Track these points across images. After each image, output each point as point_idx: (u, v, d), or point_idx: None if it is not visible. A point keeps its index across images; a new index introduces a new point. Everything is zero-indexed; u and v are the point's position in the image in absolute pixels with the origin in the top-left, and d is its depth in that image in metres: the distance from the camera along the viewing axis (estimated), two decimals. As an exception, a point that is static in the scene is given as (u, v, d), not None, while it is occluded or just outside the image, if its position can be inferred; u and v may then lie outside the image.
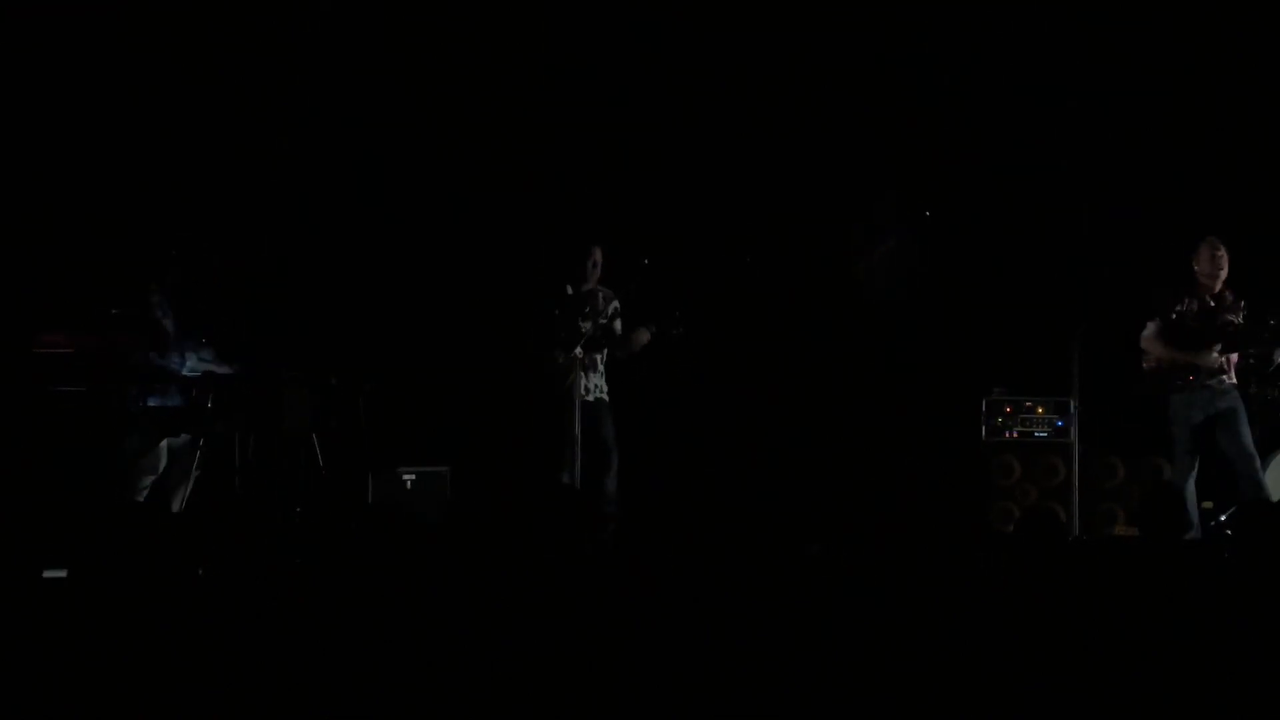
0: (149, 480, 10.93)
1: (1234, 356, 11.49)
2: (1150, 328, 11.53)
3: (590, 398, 11.72)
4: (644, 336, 11.76)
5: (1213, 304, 11.46)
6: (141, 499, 10.74)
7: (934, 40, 13.09)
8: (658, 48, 13.19)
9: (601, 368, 11.85)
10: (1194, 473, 11.44)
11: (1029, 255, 12.63)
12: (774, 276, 13.27)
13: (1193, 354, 11.40)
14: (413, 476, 11.90)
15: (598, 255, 11.88)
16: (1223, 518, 11.67)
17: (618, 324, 11.88)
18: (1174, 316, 11.44)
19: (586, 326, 11.76)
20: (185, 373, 11.11)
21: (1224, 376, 11.42)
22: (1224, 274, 11.43)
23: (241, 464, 11.14)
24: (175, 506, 10.79)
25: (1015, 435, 12.55)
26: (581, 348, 11.63)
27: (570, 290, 11.90)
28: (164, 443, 10.95)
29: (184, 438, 11.02)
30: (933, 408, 12.87)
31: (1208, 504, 11.87)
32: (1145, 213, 12.84)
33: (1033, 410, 12.56)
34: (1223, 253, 11.40)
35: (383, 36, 13.04)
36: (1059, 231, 12.89)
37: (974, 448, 12.57)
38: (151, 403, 10.97)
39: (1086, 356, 12.15)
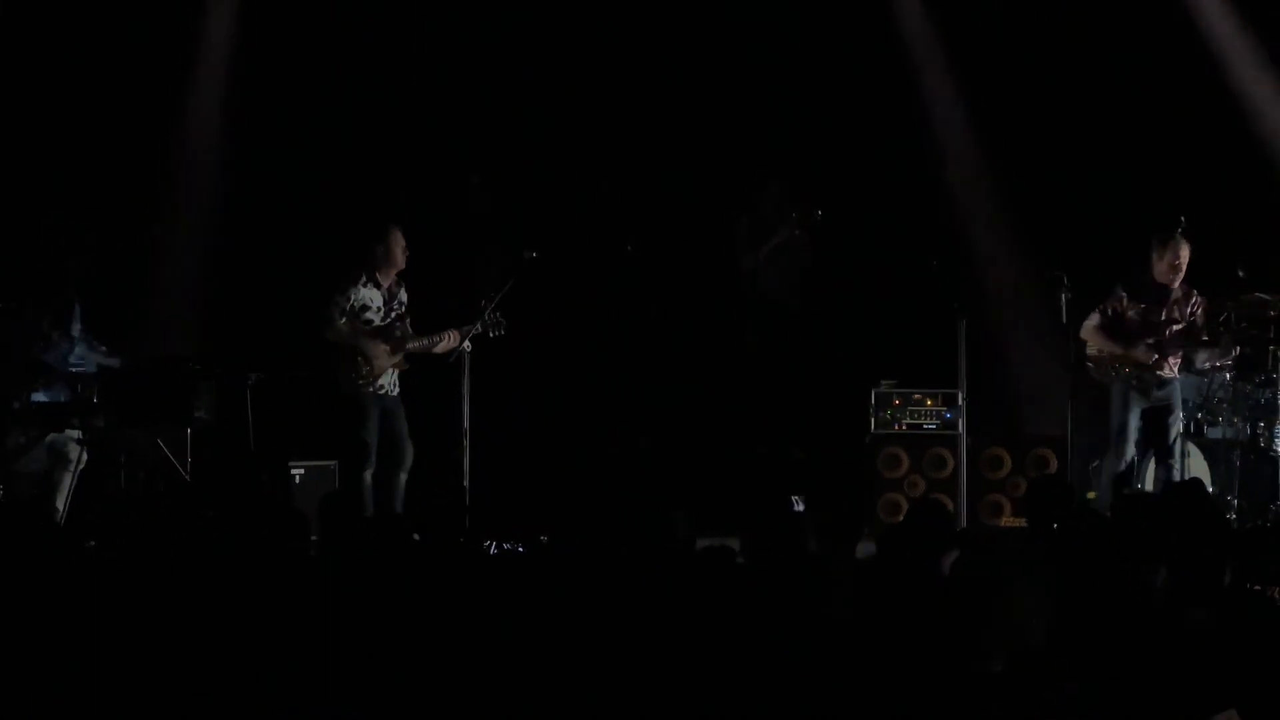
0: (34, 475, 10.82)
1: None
2: (1092, 318, 11.71)
3: (395, 393, 11.67)
4: (453, 340, 11.69)
5: (1160, 301, 11.59)
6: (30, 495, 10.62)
7: (819, 34, 13.16)
8: (541, 33, 13.17)
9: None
10: (1130, 460, 11.61)
11: (917, 249, 12.68)
12: (662, 269, 13.29)
13: (1126, 348, 11.58)
14: (301, 471, 11.84)
15: (404, 240, 11.66)
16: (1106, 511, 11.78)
17: (408, 319, 11.71)
18: (1111, 311, 11.62)
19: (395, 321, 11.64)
20: (71, 366, 11.00)
21: (1160, 371, 11.58)
22: (1182, 274, 11.54)
23: (126, 459, 11.05)
24: (59, 502, 10.67)
25: (904, 427, 12.62)
26: (402, 353, 11.56)
27: (382, 281, 11.66)
28: (52, 437, 10.83)
29: (68, 433, 10.90)
30: (822, 400, 12.93)
31: (1091, 495, 12.00)
32: (1034, 206, 12.96)
33: (921, 402, 12.64)
34: (1185, 252, 11.51)
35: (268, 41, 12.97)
36: (948, 225, 12.98)
37: (862, 440, 12.64)
38: (37, 398, 10.86)
39: (974, 349, 12.25)
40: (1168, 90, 12.80)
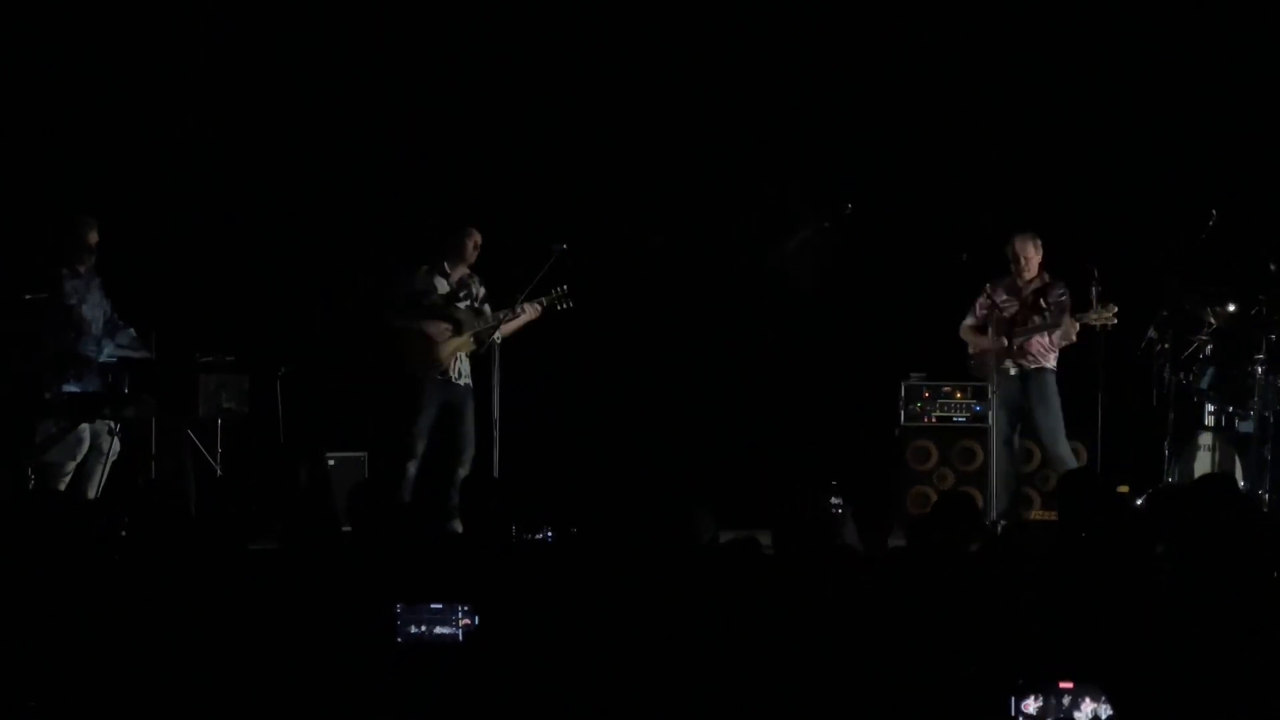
0: (71, 466, 10.85)
1: (1040, 340, 11.67)
2: (967, 319, 11.93)
3: (462, 382, 11.69)
4: (532, 313, 11.68)
5: (1018, 294, 11.75)
6: (63, 485, 10.66)
7: (844, 29, 13.16)
8: (574, 26, 13.18)
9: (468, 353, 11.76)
10: (1010, 453, 11.76)
11: (948, 242, 12.67)
12: (690, 262, 13.30)
13: (986, 341, 11.73)
14: (332, 462, 11.86)
15: (477, 238, 11.76)
16: (1139, 502, 11.76)
17: (488, 308, 11.79)
18: (981, 310, 11.80)
19: (484, 310, 11.68)
20: (103, 358, 11.04)
21: (1024, 361, 11.70)
22: (1027, 267, 11.70)
23: (157, 449, 11.09)
24: (91, 491, 10.72)
25: (933, 420, 12.64)
26: (468, 335, 11.56)
27: (449, 272, 11.74)
28: (85, 428, 10.87)
29: (100, 423, 10.94)
30: (851, 393, 12.93)
31: (1124, 488, 11.97)
32: (1065, 199, 12.95)
33: (951, 395, 12.64)
34: (1029, 249, 11.67)
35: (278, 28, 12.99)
36: (976, 217, 12.96)
37: (892, 432, 12.64)
38: (69, 389, 10.90)
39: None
40: (1198, 82, 12.77)
